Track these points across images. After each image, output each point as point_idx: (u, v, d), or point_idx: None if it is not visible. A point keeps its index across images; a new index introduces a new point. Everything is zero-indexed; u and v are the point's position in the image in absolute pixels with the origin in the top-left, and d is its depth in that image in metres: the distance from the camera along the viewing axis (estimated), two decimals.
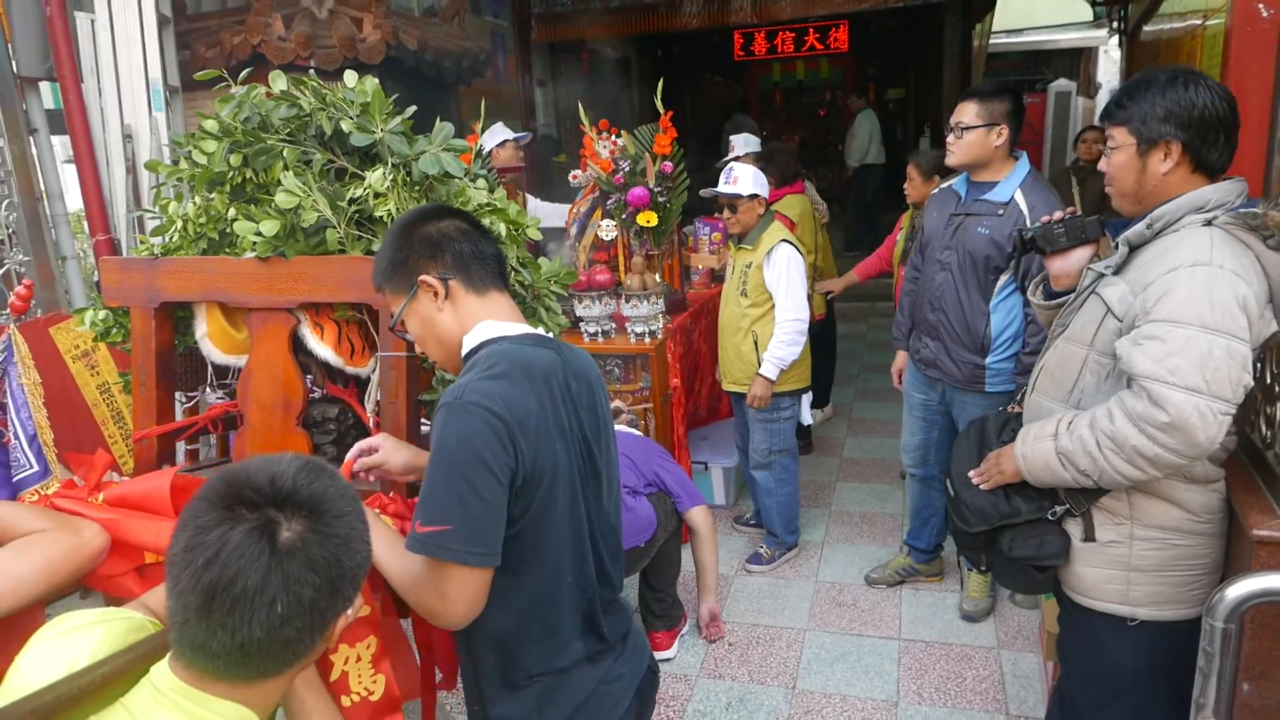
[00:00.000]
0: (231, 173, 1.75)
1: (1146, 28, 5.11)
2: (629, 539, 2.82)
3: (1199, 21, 3.08)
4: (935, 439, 3.22)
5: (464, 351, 1.37)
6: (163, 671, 0.96)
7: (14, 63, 3.39)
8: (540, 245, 2.39)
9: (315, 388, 1.91)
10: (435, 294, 1.36)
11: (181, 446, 2.00)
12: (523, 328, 1.40)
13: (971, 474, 1.88)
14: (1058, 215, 1.98)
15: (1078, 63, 11.60)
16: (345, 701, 1.42)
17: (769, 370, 3.40)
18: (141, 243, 1.89)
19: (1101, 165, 1.78)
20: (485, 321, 1.37)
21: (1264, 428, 1.72)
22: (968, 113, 2.82)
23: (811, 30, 9.28)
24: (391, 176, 1.68)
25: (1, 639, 1.25)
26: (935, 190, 3.17)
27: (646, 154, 3.71)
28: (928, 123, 8.96)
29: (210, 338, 1.85)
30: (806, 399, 3.64)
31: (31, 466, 1.93)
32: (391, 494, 1.60)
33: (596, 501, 1.42)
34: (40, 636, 1.01)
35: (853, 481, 4.59)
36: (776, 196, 4.52)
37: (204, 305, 1.84)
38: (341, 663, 1.40)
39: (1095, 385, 1.73)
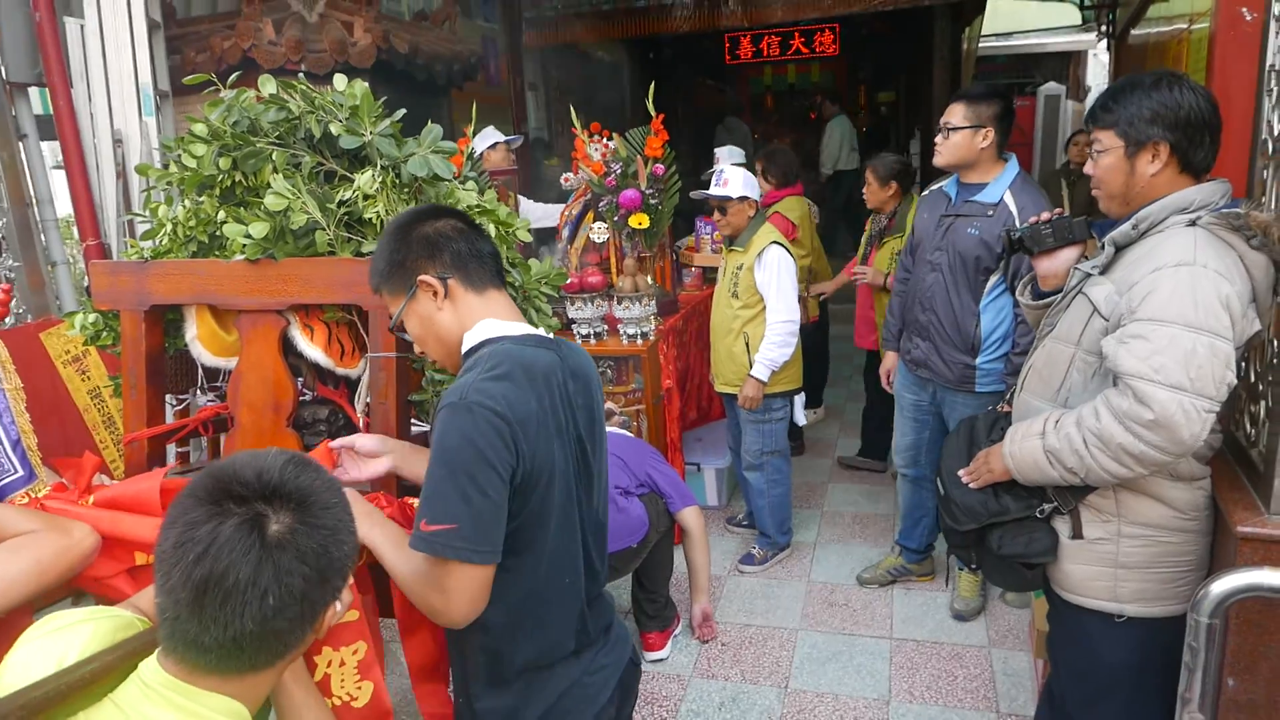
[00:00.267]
0: (221, 176, 1.75)
1: (1134, 31, 5.15)
2: (622, 540, 2.83)
3: (1185, 25, 3.11)
4: (926, 439, 3.23)
5: (464, 349, 1.39)
6: (152, 667, 0.96)
7: (3, 68, 3.38)
8: (531, 246, 2.40)
9: (306, 389, 1.91)
10: (435, 293, 1.38)
11: (172, 449, 2.00)
12: (524, 327, 1.42)
13: (961, 473, 1.90)
14: (1045, 216, 2.00)
15: (1067, 66, 11.65)
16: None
17: (760, 371, 3.42)
18: (132, 246, 1.89)
19: (1088, 168, 1.80)
20: (486, 320, 1.39)
21: (1248, 425, 1.73)
22: (955, 114, 2.85)
23: (797, 34, 9.30)
24: (380, 179, 1.68)
25: None
26: (926, 192, 3.20)
27: (638, 156, 3.73)
28: (918, 125, 8.99)
29: (200, 340, 1.85)
30: (799, 400, 3.65)
31: (16, 471, 1.92)
32: (386, 496, 1.60)
33: (588, 498, 1.44)
34: (29, 635, 1.01)
35: (845, 482, 4.60)
36: (777, 197, 4.57)
37: (194, 308, 1.83)
38: (324, 665, 1.40)
39: (1082, 384, 1.74)
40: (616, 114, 7.03)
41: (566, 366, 1.40)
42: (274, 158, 1.71)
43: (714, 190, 3.47)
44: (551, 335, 1.51)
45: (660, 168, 3.70)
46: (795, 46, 9.46)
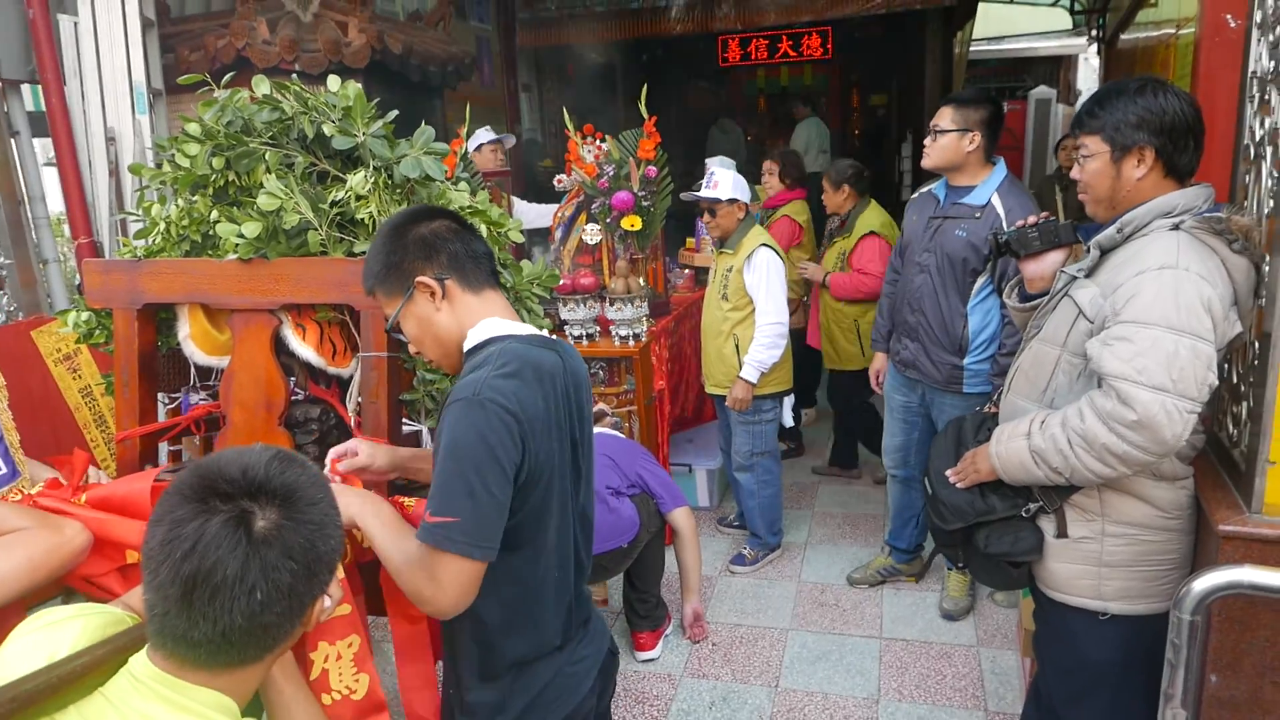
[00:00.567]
0: (214, 175, 1.76)
1: (1124, 36, 5.19)
2: (612, 540, 2.84)
3: (1173, 30, 3.14)
4: (915, 440, 3.25)
5: (466, 347, 1.40)
6: (141, 661, 0.97)
7: None
8: (524, 247, 2.41)
9: (298, 388, 1.91)
10: (432, 294, 1.39)
11: (164, 447, 2.00)
12: (528, 328, 1.44)
13: (948, 472, 1.91)
14: (1032, 219, 2.02)
15: (1057, 70, 11.70)
16: (325, 700, 1.43)
17: (749, 373, 3.43)
18: (124, 245, 1.89)
19: (1075, 173, 1.82)
20: (490, 319, 1.40)
21: (1230, 426, 1.75)
22: (944, 118, 2.88)
23: (785, 37, 9.32)
24: (373, 179, 1.70)
25: None
26: (915, 194, 3.22)
27: (631, 158, 3.74)
28: (910, 128, 9.02)
29: (193, 339, 1.86)
30: (788, 401, 3.67)
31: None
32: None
33: (575, 496, 1.46)
34: (19, 631, 1.02)
35: (835, 483, 4.62)
36: (787, 199, 4.62)
37: (186, 306, 1.84)
38: (321, 660, 1.41)
39: (1068, 385, 1.76)
40: (609, 116, 7.04)
41: (567, 367, 1.42)
42: (267, 158, 1.72)
43: (704, 192, 3.49)
44: (553, 336, 1.52)
45: (653, 170, 3.72)
46: (783, 50, 9.48)
